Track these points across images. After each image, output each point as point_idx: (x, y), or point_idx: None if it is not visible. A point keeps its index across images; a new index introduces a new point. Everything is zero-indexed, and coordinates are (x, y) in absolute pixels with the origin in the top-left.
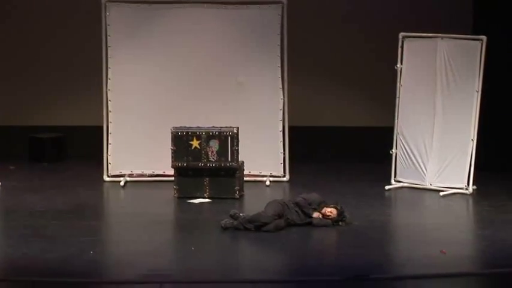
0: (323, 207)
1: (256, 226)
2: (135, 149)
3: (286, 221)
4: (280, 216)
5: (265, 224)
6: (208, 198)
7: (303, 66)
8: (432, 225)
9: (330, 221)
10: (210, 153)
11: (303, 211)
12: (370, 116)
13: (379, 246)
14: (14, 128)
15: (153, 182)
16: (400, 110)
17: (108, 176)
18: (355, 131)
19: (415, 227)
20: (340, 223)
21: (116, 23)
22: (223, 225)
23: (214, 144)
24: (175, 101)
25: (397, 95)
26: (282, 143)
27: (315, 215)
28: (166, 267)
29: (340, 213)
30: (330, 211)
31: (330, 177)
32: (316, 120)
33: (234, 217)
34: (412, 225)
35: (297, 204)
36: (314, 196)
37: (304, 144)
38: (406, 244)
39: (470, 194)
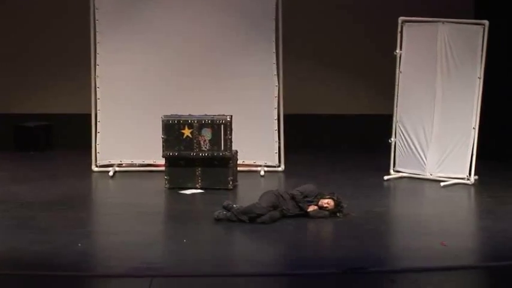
0: (319, 199)
1: (250, 218)
2: (125, 138)
3: (281, 212)
4: (275, 207)
5: (260, 215)
6: (201, 188)
7: (298, 52)
8: (432, 216)
9: (327, 213)
10: (202, 142)
11: (298, 205)
12: (368, 104)
13: (377, 238)
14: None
15: (143, 172)
16: (400, 97)
17: (97, 166)
18: (353, 119)
19: (414, 218)
20: (337, 214)
21: (104, 7)
22: (216, 216)
23: (206, 133)
24: (167, 89)
25: (397, 82)
26: (277, 132)
27: (311, 208)
28: (157, 260)
29: (337, 204)
30: (327, 202)
31: (326, 167)
32: (312, 108)
33: (227, 208)
34: (412, 216)
35: (292, 197)
36: (310, 188)
37: (300, 133)
38: (404, 236)
39: (472, 185)
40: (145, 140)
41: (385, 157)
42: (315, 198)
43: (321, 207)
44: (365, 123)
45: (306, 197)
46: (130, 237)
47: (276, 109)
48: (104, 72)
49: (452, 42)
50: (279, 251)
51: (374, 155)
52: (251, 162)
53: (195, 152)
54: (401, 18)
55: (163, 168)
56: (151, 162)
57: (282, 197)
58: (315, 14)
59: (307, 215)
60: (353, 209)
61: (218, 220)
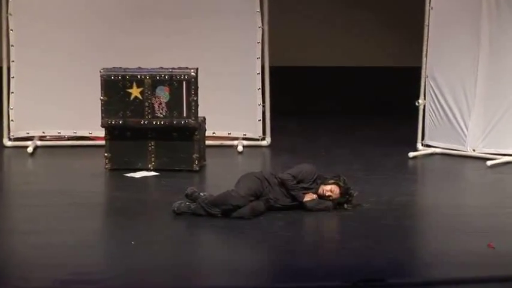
0: (319, 185)
1: (224, 210)
2: (49, 101)
3: (267, 202)
4: (257, 196)
5: (237, 207)
6: (155, 170)
7: None
8: (475, 207)
9: (330, 203)
10: (156, 105)
11: (290, 194)
12: (387, 52)
13: (399, 238)
14: None
15: (75, 148)
16: (431, 43)
17: (10, 140)
18: (366, 74)
19: (450, 210)
20: (344, 206)
21: None
22: (175, 209)
23: (162, 93)
24: (108, 32)
25: (426, 22)
26: (260, 92)
27: (308, 197)
28: (94, 269)
29: (344, 192)
30: (330, 189)
31: (329, 140)
32: (309, 59)
33: (191, 198)
34: (447, 208)
35: (281, 182)
36: (306, 169)
37: (292, 93)
38: (437, 235)
39: None
40: (78, 103)
41: (410, 126)
42: (314, 184)
43: (322, 196)
44: (382, 80)
45: (301, 182)
46: (57, 237)
47: (260, 60)
48: (20, 9)
49: None
50: (264, 256)
51: (395, 123)
52: (225, 134)
53: (147, 120)
54: None
55: (102, 143)
56: (86, 134)
57: (268, 181)
58: None
59: (302, 206)
60: (366, 198)
61: (179, 214)
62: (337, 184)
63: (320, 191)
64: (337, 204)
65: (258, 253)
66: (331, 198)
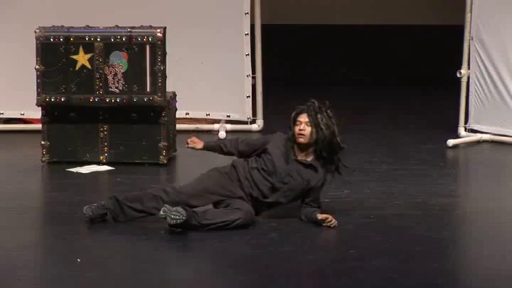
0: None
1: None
2: None
3: (251, 200)
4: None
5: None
6: (108, 164)
7: None
8: None
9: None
10: (111, 77)
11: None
12: (418, 7)
13: (435, 255)
14: None
15: (2, 134)
16: None
17: None
18: (390, 35)
19: (504, 217)
20: (323, 115)
21: None
22: (86, 213)
23: (118, 61)
24: None
25: None
26: (249, 58)
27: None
28: None
29: (312, 108)
30: (299, 129)
31: (341, 122)
32: (314, 15)
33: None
34: (499, 213)
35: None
36: (277, 137)
37: (291, 60)
38: (486, 250)
39: None
40: (6, 74)
41: (450, 105)
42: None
43: (300, 141)
44: (413, 43)
45: (255, 151)
46: None
47: (249, 16)
48: None
49: None
50: (251, 281)
51: (430, 100)
52: (202, 115)
53: (98, 96)
54: None
55: (38, 127)
56: (17, 116)
57: (250, 174)
58: None
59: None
60: (391, 200)
61: (92, 220)
62: (297, 114)
63: (296, 139)
64: (318, 127)
65: (243, 277)
66: (303, 135)
